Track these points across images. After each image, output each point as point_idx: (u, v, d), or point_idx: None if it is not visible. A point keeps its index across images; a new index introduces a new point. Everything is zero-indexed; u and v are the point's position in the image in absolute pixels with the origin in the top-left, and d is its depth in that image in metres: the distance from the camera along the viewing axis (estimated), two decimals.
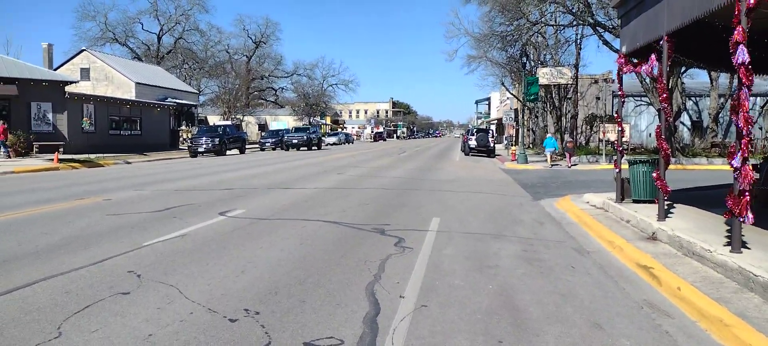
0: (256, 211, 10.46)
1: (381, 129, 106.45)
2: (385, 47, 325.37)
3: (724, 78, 31.75)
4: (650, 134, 36.90)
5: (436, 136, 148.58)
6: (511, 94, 48.23)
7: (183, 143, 44.21)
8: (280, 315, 4.68)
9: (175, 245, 7.38)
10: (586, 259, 7.05)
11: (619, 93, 11.00)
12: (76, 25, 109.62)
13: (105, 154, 29.55)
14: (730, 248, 6.16)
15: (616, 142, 11.44)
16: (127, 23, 68.97)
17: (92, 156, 27.86)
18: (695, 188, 14.43)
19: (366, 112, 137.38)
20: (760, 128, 35.84)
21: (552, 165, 26.40)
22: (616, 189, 10.95)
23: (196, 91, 60.33)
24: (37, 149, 28.56)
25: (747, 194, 5.94)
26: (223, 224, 9.01)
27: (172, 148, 41.37)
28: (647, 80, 27.03)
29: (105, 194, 13.08)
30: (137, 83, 45.09)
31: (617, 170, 10.91)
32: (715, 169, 23.22)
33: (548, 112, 41.57)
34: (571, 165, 26.20)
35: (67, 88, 31.83)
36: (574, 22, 30.82)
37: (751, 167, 6.19)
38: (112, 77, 45.64)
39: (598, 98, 40.75)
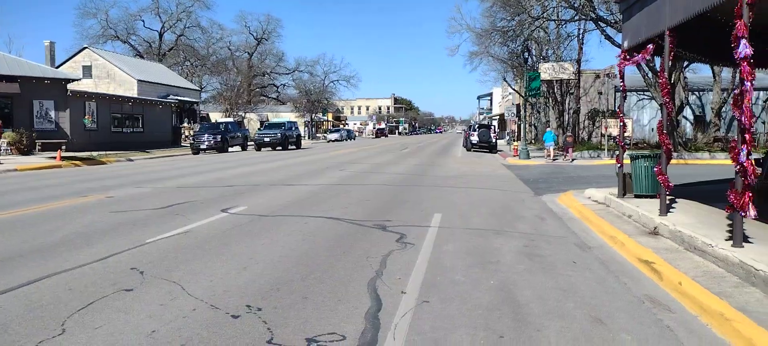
0: (257, 207, 10.48)
1: (383, 125, 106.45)
2: (387, 43, 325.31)
3: (726, 72, 31.61)
4: (652, 129, 36.78)
5: (438, 132, 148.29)
6: (513, 89, 48.15)
7: (185, 140, 44.29)
8: (282, 311, 4.70)
9: (177, 242, 7.41)
10: (587, 254, 7.06)
11: (622, 88, 10.98)
12: (78, 22, 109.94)
13: (107, 152, 29.64)
14: (731, 242, 6.16)
15: (618, 137, 11.43)
16: (128, 20, 69.11)
17: (95, 154, 27.96)
18: (697, 182, 14.40)
19: (368, 109, 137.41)
20: (763, 123, 35.72)
21: (553, 159, 26.68)
22: (617, 184, 10.94)
23: (197, 88, 60.39)
24: (39, 147, 28.65)
25: (749, 188, 5.94)
26: (225, 221, 9.03)
27: (174, 146, 41.44)
28: (650, 75, 26.98)
29: (108, 192, 13.12)
30: (139, 80, 45.17)
31: (619, 165, 10.90)
32: (717, 164, 23.18)
33: (550, 108, 41.51)
34: (571, 159, 26.61)
35: (70, 86, 31.92)
36: (576, 17, 30.74)
37: (753, 162, 6.19)
38: (114, 75, 45.72)
39: (600, 93, 40.63)
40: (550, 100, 40.52)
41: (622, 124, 11.50)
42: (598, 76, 40.79)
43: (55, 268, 6.05)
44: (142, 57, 64.38)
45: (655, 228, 7.98)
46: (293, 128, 44.02)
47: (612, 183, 12.15)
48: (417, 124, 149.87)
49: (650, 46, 8.71)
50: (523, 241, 7.71)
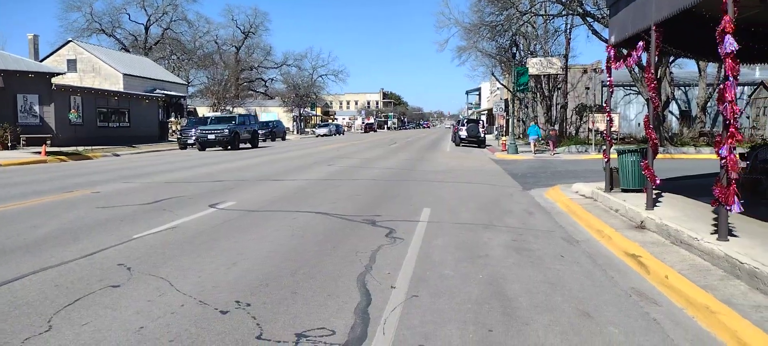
0: (246, 203, 10.43)
1: (372, 120, 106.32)
2: (376, 38, 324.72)
3: (712, 67, 31.98)
4: (639, 124, 37.13)
5: (425, 127, 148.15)
6: (502, 84, 48.31)
7: (172, 135, 43.91)
8: (271, 306, 4.69)
9: (165, 238, 7.35)
10: (575, 248, 7.11)
11: (609, 83, 11.06)
12: (62, 16, 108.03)
13: (93, 147, 29.29)
14: (716, 236, 6.24)
15: (605, 132, 11.52)
16: (113, 14, 68.40)
17: (80, 149, 27.63)
18: (683, 176, 14.57)
19: (356, 103, 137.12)
20: (747, 117, 36.16)
21: (535, 152, 27.58)
22: (605, 179, 11.03)
23: (184, 82, 59.92)
24: (24, 142, 28.27)
25: (734, 182, 6.01)
26: (214, 216, 8.99)
27: (161, 140, 41.08)
28: (636, 70, 27.18)
29: (94, 187, 12.99)
30: (125, 74, 44.70)
31: (606, 160, 10.99)
32: (703, 158, 23.43)
33: (538, 103, 41.71)
34: (554, 153, 27.32)
35: (54, 80, 31.48)
36: (564, 12, 30.86)
37: (737, 156, 6.26)
38: (100, 69, 45.19)
39: (587, 88, 40.92)
40: (538, 95, 40.73)
41: (609, 119, 11.59)
42: (585, 72, 41.09)
43: (40, 264, 5.98)
44: (127, 51, 63.71)
45: (642, 222, 8.06)
46: (247, 123, 35.27)
47: (599, 177, 12.25)
48: (406, 119, 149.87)
49: (641, 43, 8.77)
50: (512, 235, 7.75)
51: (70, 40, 48.18)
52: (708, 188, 6.62)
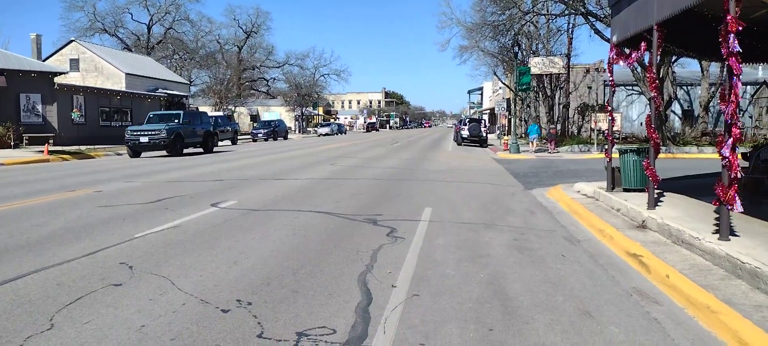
0: (248, 202, 10.45)
1: (373, 119, 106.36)
2: (378, 37, 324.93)
3: (714, 67, 31.91)
4: (642, 124, 37.07)
5: (425, 126, 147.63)
6: (504, 83, 48.29)
7: None
8: (272, 305, 4.70)
9: (167, 236, 7.37)
10: (576, 247, 7.11)
11: (611, 82, 11.05)
12: (65, 15, 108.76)
13: (95, 146, 29.36)
14: (718, 235, 6.23)
15: (607, 131, 11.51)
16: (116, 13, 68.40)
17: (83, 148, 27.69)
18: (685, 176, 14.54)
19: (359, 103, 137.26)
20: (750, 117, 36.09)
21: (536, 150, 27.97)
22: (606, 178, 11.02)
23: (186, 81, 59.95)
24: (27, 141, 28.33)
25: (735, 182, 6.00)
26: (216, 215, 9.00)
27: None
28: (638, 70, 27.15)
29: (96, 186, 13.02)
30: (127, 74, 44.76)
31: (608, 159, 10.98)
32: (705, 158, 23.39)
33: (540, 102, 41.67)
34: (554, 151, 27.72)
35: (57, 79, 31.57)
36: (566, 12, 30.86)
37: (739, 156, 6.25)
38: (102, 68, 45.26)
39: (589, 88, 40.87)
40: (541, 95, 40.69)
41: (611, 118, 11.58)
42: (587, 71, 41.03)
43: (43, 263, 6.00)
44: (130, 50, 63.78)
45: (643, 222, 8.05)
46: (198, 121, 27.87)
47: (601, 177, 12.24)
48: (408, 119, 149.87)
49: (643, 44, 8.76)
50: (513, 234, 7.75)
51: (73, 40, 48.25)
52: (710, 187, 6.61)
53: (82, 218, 8.77)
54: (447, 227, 8.19)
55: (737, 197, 5.99)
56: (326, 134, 64.70)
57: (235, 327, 4.21)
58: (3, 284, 5.26)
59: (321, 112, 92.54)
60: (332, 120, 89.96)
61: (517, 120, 41.48)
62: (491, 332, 4.20)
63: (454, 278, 5.58)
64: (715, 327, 4.36)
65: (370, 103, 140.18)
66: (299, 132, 72.58)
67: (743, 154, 10.78)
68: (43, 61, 41.53)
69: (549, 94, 38.75)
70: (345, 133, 73.07)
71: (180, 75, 61.72)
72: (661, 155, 9.92)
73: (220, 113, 48.61)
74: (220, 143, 36.89)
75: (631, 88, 37.11)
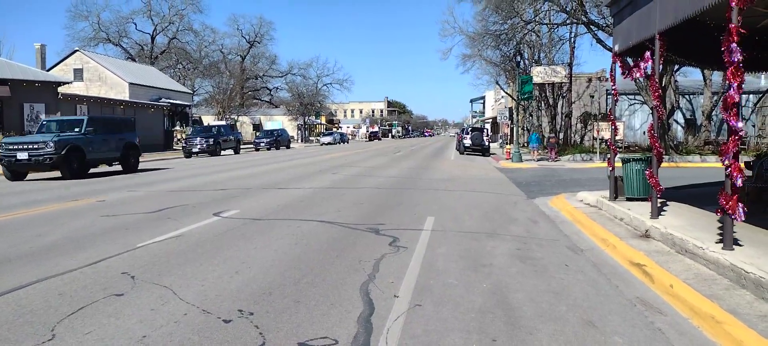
0: (250, 211, 10.45)
1: (376, 128, 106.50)
2: (381, 46, 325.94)
3: (717, 76, 31.86)
4: (644, 133, 37.00)
5: (426, 136, 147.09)
6: (506, 93, 48.31)
7: (177, 144, 44.10)
8: (274, 315, 4.68)
9: (169, 246, 7.36)
10: (579, 257, 7.08)
11: (613, 92, 11.05)
12: (69, 25, 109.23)
13: None
14: (722, 245, 6.20)
15: (609, 140, 11.50)
16: (120, 23, 68.84)
17: None
18: (688, 185, 14.50)
19: (361, 112, 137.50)
20: (753, 125, 36.02)
21: (537, 159, 28.27)
22: (609, 187, 11.00)
23: (190, 91, 60.18)
24: None
25: (739, 191, 5.98)
26: (218, 225, 9.00)
27: (166, 149, 41.27)
28: (641, 79, 27.15)
29: (99, 195, 13.04)
30: (131, 84, 44.97)
31: (610, 169, 10.96)
32: (708, 167, 23.33)
33: (543, 111, 41.68)
34: (555, 159, 28.04)
35: (61, 89, 31.72)
36: (568, 21, 30.92)
37: (743, 165, 6.24)
38: (106, 78, 45.49)
39: (592, 96, 40.85)
40: (543, 104, 40.70)
41: (613, 127, 11.57)
42: (590, 80, 41.04)
43: (45, 272, 6.00)
44: (133, 60, 64.11)
45: (647, 231, 8.02)
46: (117, 130, 21.51)
47: (604, 186, 12.21)
48: (410, 128, 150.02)
49: (647, 54, 8.76)
50: (516, 244, 7.73)
51: (77, 50, 48.54)
52: (713, 196, 6.59)
53: (84, 227, 8.77)
54: (449, 236, 8.16)
55: (741, 206, 5.96)
56: (328, 143, 64.78)
57: (236, 337, 4.20)
58: (5, 294, 5.26)
59: (323, 122, 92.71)
60: (334, 129, 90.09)
61: (520, 129, 41.48)
62: (494, 342, 4.17)
63: (457, 287, 5.56)
64: (719, 337, 4.33)
65: (373, 112, 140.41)
66: (302, 141, 72.68)
67: (747, 163, 10.76)
68: (48, 70, 41.79)
69: (551, 103, 38.75)
70: (347, 143, 73.13)
71: (183, 84, 61.99)
72: (663, 164, 9.90)
73: (223, 123, 48.70)
74: (222, 153, 36.99)
75: (633, 97, 37.09)
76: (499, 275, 6.03)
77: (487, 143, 37.59)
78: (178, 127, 49.05)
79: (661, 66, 8.91)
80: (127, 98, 41.83)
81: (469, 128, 42.68)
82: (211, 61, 73.54)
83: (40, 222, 9.28)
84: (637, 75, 9.69)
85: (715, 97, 32.32)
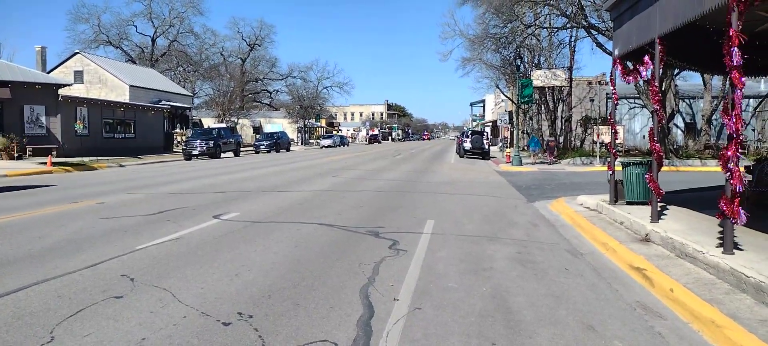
0: (250, 214, 10.44)
1: (376, 131, 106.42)
2: (381, 49, 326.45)
3: (717, 80, 31.88)
4: (644, 136, 36.99)
5: (423, 139, 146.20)
6: (506, 96, 48.36)
7: (177, 146, 44.09)
8: (273, 318, 4.67)
9: (168, 249, 7.36)
10: (579, 261, 7.07)
11: (613, 95, 11.05)
12: (70, 27, 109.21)
13: (99, 158, 29.43)
14: (722, 249, 6.19)
15: (609, 144, 11.51)
16: (120, 26, 68.96)
17: (86, 159, 27.75)
18: (688, 189, 14.49)
19: (361, 115, 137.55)
20: (753, 130, 36.02)
21: (537, 163, 28.59)
22: (609, 191, 10.99)
23: (190, 93, 60.26)
24: (30, 153, 28.43)
25: (739, 195, 5.98)
26: (217, 227, 8.99)
27: (166, 151, 41.24)
28: (641, 83, 27.18)
29: (99, 198, 13.03)
30: (131, 86, 45.01)
31: (610, 172, 10.95)
32: (708, 171, 23.32)
33: (543, 115, 41.71)
34: (554, 162, 28.34)
35: (61, 91, 31.70)
36: (568, 25, 30.94)
37: (743, 169, 6.23)
38: (106, 80, 45.53)
39: (592, 100, 40.87)
40: (543, 107, 40.73)
41: (613, 131, 11.57)
42: (590, 84, 41.07)
43: (44, 275, 5.99)
44: (134, 62, 64.16)
45: (647, 235, 8.02)
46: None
47: (604, 190, 12.20)
48: (410, 131, 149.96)
49: (647, 58, 8.77)
50: (516, 247, 7.72)
51: (78, 52, 48.60)
52: (713, 200, 6.58)
53: (84, 229, 8.76)
54: (449, 240, 8.16)
55: (741, 211, 5.96)
56: (329, 146, 64.72)
57: (235, 340, 4.19)
58: (4, 296, 5.25)
59: (323, 124, 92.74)
60: (334, 132, 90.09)
61: (520, 132, 41.49)
62: None
63: (457, 291, 5.55)
64: (720, 342, 4.32)
65: (373, 115, 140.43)
66: (302, 144, 72.70)
67: (747, 168, 10.75)
68: (48, 73, 41.78)
69: (551, 107, 38.77)
70: (347, 145, 73.09)
71: (184, 87, 62.05)
72: (663, 168, 9.89)
73: (223, 125, 48.74)
74: (222, 155, 37.02)
75: (633, 100, 37.11)
76: (499, 279, 6.02)
77: (487, 147, 37.58)
78: (178, 130, 49.07)
79: (661, 70, 8.91)
80: (128, 100, 41.83)
81: (469, 132, 42.68)
82: (211, 64, 73.63)
83: (40, 224, 9.27)
84: (637, 79, 9.69)
85: (715, 102, 32.33)
